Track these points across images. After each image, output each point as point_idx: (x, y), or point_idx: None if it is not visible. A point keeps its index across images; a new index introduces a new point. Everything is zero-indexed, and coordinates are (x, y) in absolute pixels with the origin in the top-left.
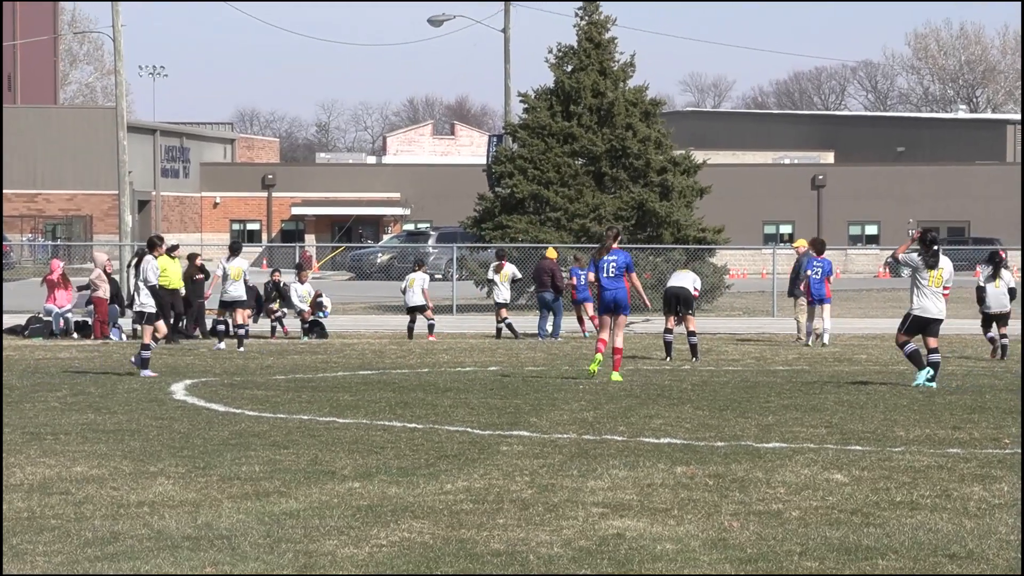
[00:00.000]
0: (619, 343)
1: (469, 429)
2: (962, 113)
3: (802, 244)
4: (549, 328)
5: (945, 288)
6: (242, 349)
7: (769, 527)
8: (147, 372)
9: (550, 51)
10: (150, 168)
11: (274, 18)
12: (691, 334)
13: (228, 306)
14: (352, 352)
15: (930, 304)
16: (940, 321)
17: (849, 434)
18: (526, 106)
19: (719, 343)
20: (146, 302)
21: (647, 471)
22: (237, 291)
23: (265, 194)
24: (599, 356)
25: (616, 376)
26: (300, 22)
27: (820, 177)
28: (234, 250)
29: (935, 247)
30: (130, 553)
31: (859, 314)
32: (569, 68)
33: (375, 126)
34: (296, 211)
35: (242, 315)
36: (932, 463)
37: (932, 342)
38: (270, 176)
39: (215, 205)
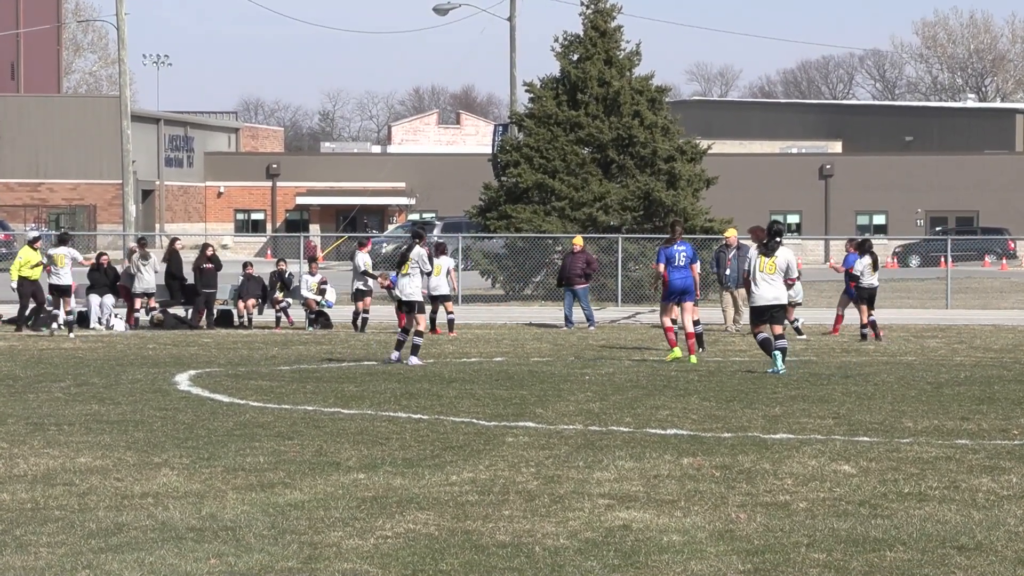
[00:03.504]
0: (690, 327)
1: (474, 420)
2: (971, 102)
3: (732, 234)
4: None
5: (789, 279)
6: (72, 336)
7: (776, 518)
8: (415, 360)
9: (556, 40)
10: (154, 157)
11: (279, 6)
12: (695, 323)
13: (57, 292)
14: (357, 343)
15: (766, 290)
16: (782, 306)
17: (857, 425)
18: (532, 95)
19: (725, 334)
20: (411, 292)
21: (653, 462)
22: (64, 278)
23: (269, 184)
24: (676, 350)
25: (694, 359)
26: (305, 10)
27: (828, 167)
28: (62, 240)
29: (777, 239)
30: (134, 544)
31: None
32: (575, 57)
33: (380, 115)
34: (301, 201)
35: (69, 302)
36: (940, 454)
37: (776, 329)
38: (274, 165)
39: (219, 195)
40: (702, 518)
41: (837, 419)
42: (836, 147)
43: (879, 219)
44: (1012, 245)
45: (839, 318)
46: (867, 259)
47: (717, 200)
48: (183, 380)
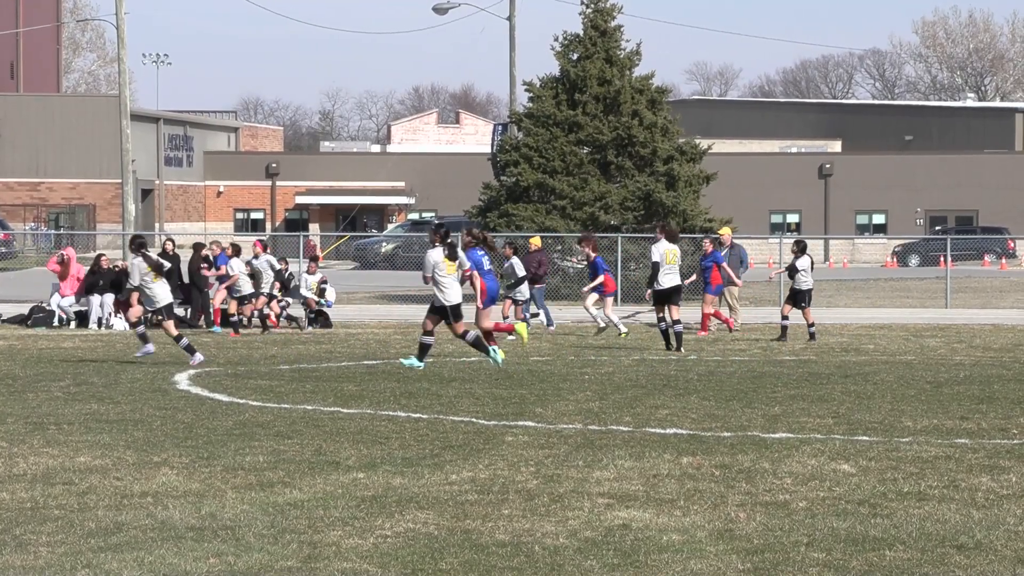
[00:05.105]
0: (489, 325)
1: (474, 419)
2: (970, 101)
3: (727, 233)
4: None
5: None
6: None
7: (776, 518)
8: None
9: (556, 39)
10: (153, 157)
11: (278, 6)
12: (676, 322)
13: None
14: (356, 342)
15: (453, 293)
16: (458, 306)
17: (856, 424)
18: (531, 95)
19: (724, 332)
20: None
21: (653, 461)
22: None
23: (269, 183)
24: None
25: (504, 343)
26: (304, 10)
27: (827, 166)
28: None
29: (448, 240)
30: (134, 544)
31: (866, 304)
32: (575, 56)
33: (380, 114)
34: (300, 200)
35: None
36: (940, 453)
37: (459, 328)
38: (274, 165)
39: (219, 194)
40: (702, 517)
41: (836, 418)
42: (836, 146)
43: (879, 218)
44: (1012, 244)
45: (706, 317)
46: (806, 260)
47: (717, 199)
48: (182, 379)
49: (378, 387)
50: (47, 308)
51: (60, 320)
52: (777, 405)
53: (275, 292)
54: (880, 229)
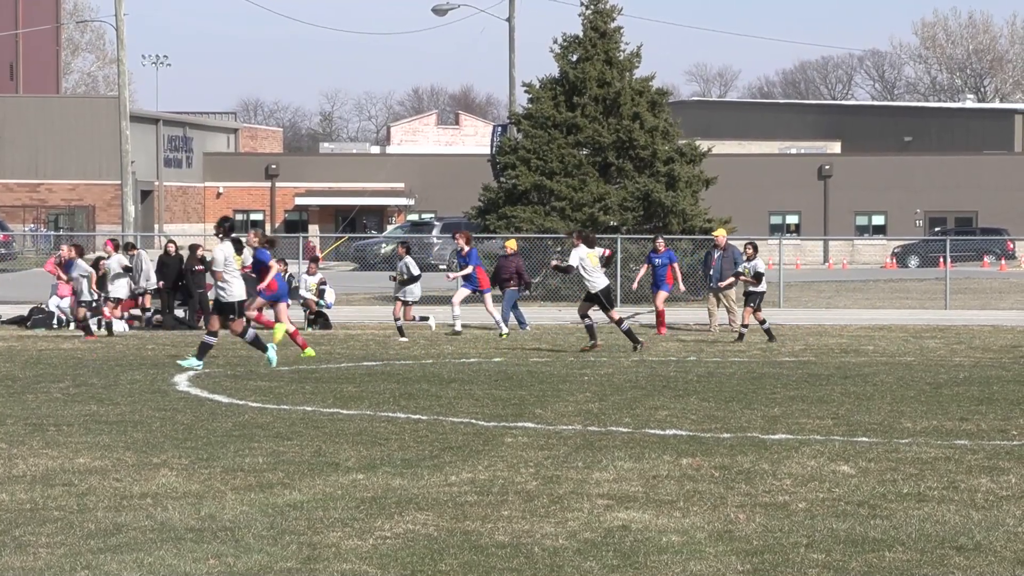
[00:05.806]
0: (251, 315)
1: (473, 420)
2: (970, 103)
3: (721, 234)
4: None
5: (245, 268)
6: None
7: (775, 519)
8: None
9: (555, 41)
10: (153, 158)
11: (278, 6)
12: (619, 322)
13: None
14: (356, 343)
15: (237, 290)
16: (243, 303)
17: (856, 426)
18: (531, 96)
19: (724, 333)
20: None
21: (652, 463)
22: None
23: (268, 184)
24: (310, 350)
25: (310, 351)
26: (304, 10)
27: (827, 167)
28: None
29: (232, 234)
30: (133, 545)
31: (866, 305)
32: (574, 58)
33: (379, 116)
34: (300, 201)
35: None
36: (939, 455)
37: (238, 326)
38: (273, 166)
39: (218, 195)
40: (701, 518)
41: (836, 419)
42: (835, 147)
43: (878, 219)
44: (1011, 246)
45: (661, 313)
46: (760, 262)
47: (716, 200)
48: (182, 380)
49: (377, 388)
50: (46, 309)
51: (59, 321)
52: (776, 406)
53: (123, 294)
54: (879, 230)
